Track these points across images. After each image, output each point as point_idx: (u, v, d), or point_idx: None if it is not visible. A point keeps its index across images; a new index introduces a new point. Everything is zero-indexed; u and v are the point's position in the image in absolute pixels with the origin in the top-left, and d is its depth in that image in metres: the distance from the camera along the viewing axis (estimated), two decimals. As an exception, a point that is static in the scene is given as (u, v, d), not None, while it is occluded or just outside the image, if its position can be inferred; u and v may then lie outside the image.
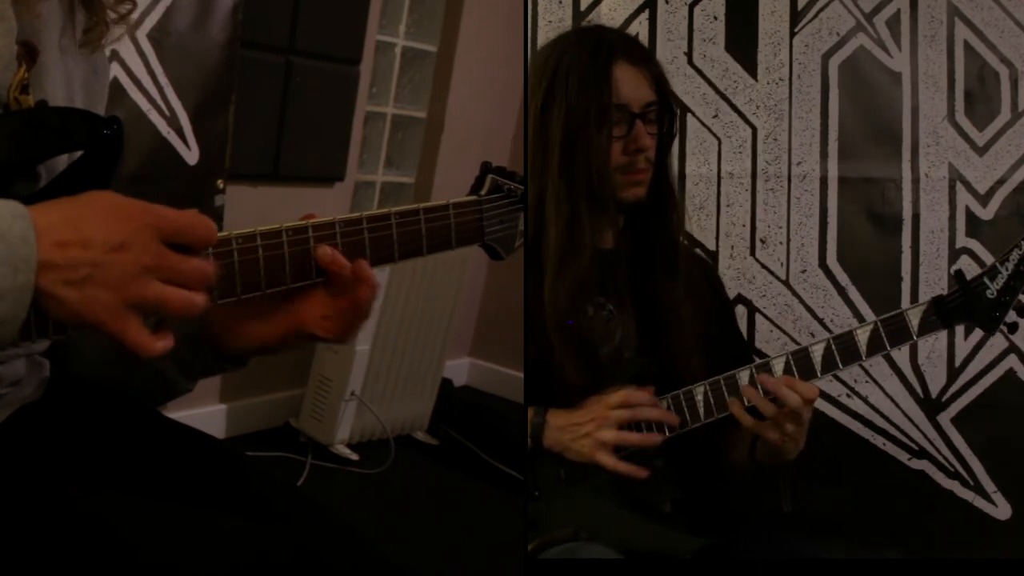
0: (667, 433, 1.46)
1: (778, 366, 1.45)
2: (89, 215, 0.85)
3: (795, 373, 1.44)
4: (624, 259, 1.55)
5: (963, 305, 1.43)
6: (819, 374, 1.45)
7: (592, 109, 1.47)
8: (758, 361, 1.49)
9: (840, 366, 1.45)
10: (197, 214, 0.91)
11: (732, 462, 1.62)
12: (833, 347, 1.45)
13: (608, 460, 1.43)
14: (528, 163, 1.51)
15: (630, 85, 1.50)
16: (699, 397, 1.48)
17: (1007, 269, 1.42)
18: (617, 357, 1.51)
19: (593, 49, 1.51)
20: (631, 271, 1.55)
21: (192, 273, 0.89)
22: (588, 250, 1.48)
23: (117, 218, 0.86)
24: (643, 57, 1.54)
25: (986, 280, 1.42)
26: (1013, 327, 1.44)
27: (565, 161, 1.48)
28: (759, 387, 1.43)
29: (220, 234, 0.97)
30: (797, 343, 2.17)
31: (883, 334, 1.43)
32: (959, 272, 1.45)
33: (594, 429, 1.43)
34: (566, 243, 1.47)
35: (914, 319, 1.43)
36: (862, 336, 1.44)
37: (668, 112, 1.54)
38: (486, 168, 1.27)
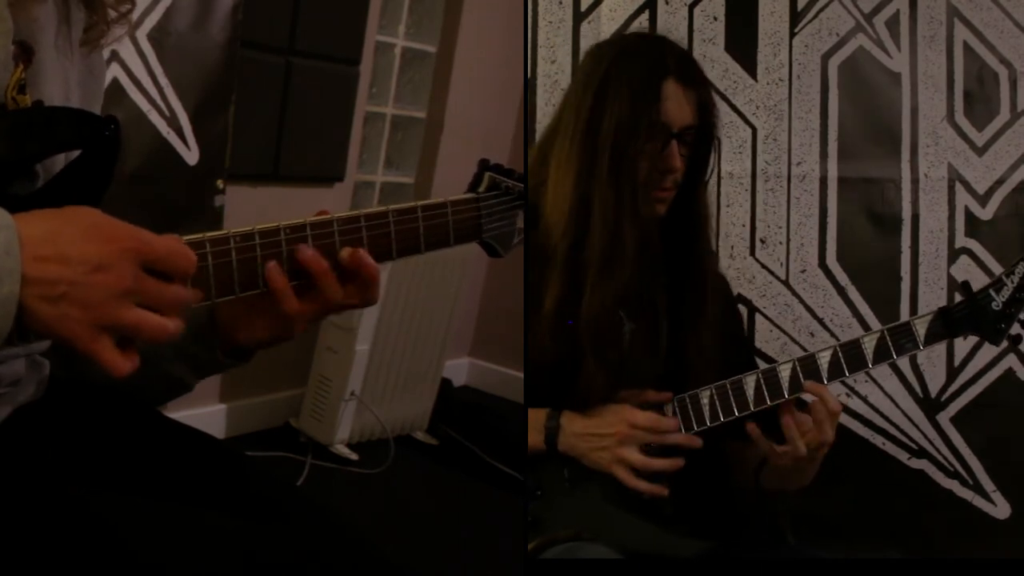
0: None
1: (784, 372, 1.46)
2: (71, 231, 0.85)
3: (801, 379, 1.45)
4: (648, 270, 1.54)
5: (969, 316, 1.44)
6: (825, 381, 1.45)
7: (642, 124, 1.46)
8: (764, 367, 1.49)
9: (847, 373, 1.46)
10: (179, 243, 0.92)
11: (735, 482, 1.61)
12: (840, 354, 1.45)
13: (628, 478, 1.44)
14: (576, 163, 1.48)
15: (674, 105, 1.48)
16: (705, 401, 1.49)
17: (1012, 282, 1.43)
18: (635, 359, 1.51)
19: (649, 62, 1.49)
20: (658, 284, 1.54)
21: (170, 300, 0.89)
22: (631, 261, 1.47)
23: (99, 238, 0.85)
24: (694, 80, 1.51)
25: (992, 292, 1.43)
26: (1017, 339, 1.45)
27: (613, 170, 1.46)
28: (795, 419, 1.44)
29: (218, 233, 0.98)
30: (797, 343, 2.17)
31: (890, 343, 1.45)
32: (966, 283, 1.46)
33: (614, 444, 1.44)
34: (610, 252, 1.46)
35: (920, 329, 1.44)
36: (869, 344, 1.45)
37: (706, 139, 1.52)
38: (484, 166, 1.27)
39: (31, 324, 0.84)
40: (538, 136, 1.62)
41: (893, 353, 1.45)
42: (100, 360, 0.86)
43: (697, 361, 1.51)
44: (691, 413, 1.49)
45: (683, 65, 1.51)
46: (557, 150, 1.51)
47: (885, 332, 1.45)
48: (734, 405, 1.48)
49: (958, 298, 1.47)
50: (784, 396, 1.45)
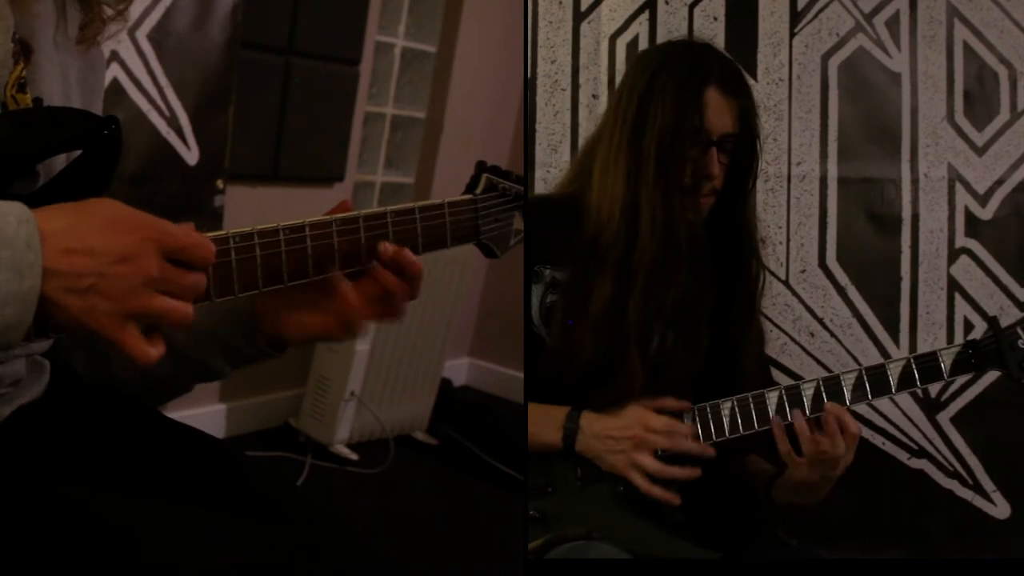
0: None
1: (808, 390, 1.47)
2: (94, 224, 0.86)
3: (824, 399, 1.46)
4: (695, 274, 1.53)
5: (995, 352, 1.45)
6: (848, 403, 1.46)
7: (685, 130, 1.48)
8: (788, 383, 1.49)
9: (869, 397, 1.46)
10: (198, 234, 0.93)
11: (746, 495, 1.61)
12: (865, 378, 1.46)
13: (642, 482, 1.45)
14: (624, 167, 1.49)
15: (715, 112, 1.49)
16: (725, 412, 1.49)
17: None
18: (673, 362, 1.52)
19: (691, 68, 1.51)
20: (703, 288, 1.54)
21: (190, 287, 0.91)
22: (681, 264, 1.48)
23: (122, 229, 0.87)
24: (736, 88, 1.52)
25: (1019, 330, 1.46)
26: None
27: (659, 175, 1.47)
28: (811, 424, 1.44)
29: (217, 233, 0.98)
30: (797, 343, 2.17)
31: (915, 371, 1.45)
32: (994, 319, 1.48)
33: (631, 448, 1.45)
34: (661, 254, 1.47)
35: (947, 359, 1.46)
36: (894, 370, 1.46)
37: (747, 148, 1.53)
38: (481, 167, 1.27)
39: (58, 316, 0.86)
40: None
41: (918, 381, 1.46)
42: (128, 349, 0.88)
43: (750, 366, 1.54)
44: (710, 423, 1.49)
45: (726, 74, 1.52)
46: (602, 154, 1.53)
47: (911, 360, 1.46)
48: (754, 418, 1.48)
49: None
50: (805, 414, 1.45)
